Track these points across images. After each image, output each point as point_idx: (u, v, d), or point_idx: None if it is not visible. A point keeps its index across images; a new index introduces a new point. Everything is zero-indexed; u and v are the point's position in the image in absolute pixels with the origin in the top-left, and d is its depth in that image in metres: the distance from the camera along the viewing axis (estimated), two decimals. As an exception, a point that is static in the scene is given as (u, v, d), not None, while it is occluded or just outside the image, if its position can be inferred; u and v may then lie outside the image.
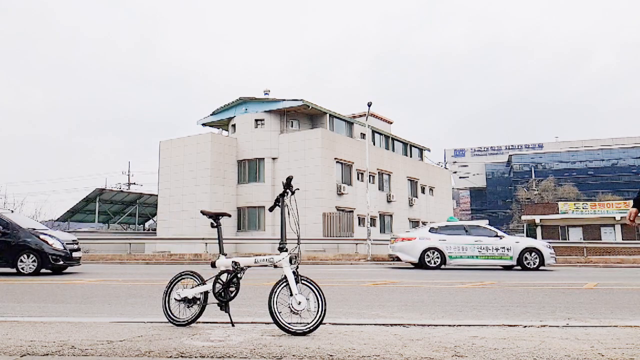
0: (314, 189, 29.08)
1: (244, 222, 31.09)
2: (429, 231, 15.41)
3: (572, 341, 3.44)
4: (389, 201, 34.97)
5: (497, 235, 15.02)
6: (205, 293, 4.04)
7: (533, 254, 14.71)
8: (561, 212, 37.94)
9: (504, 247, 14.76)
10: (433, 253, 14.81)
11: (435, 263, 14.69)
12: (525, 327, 4.11)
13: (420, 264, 14.83)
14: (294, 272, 3.71)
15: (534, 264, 14.62)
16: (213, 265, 4.12)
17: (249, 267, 4.06)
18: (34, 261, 11.33)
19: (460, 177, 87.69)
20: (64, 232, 14.81)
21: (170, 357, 2.99)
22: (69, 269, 12.90)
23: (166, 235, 30.21)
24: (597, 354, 3.04)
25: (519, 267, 14.81)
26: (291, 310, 3.60)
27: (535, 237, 38.69)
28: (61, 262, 11.63)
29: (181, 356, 3.00)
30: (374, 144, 35.93)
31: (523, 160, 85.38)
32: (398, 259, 15.51)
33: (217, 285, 3.99)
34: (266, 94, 33.69)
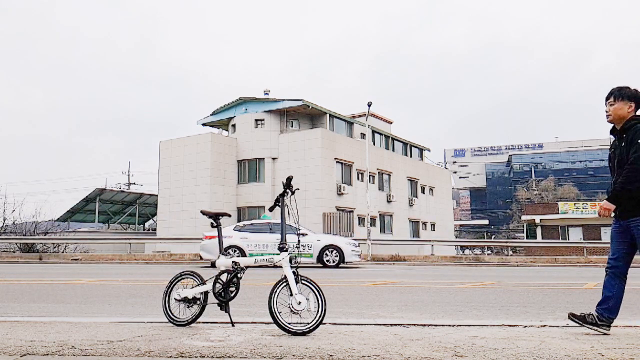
0: (314, 189, 29.07)
1: (244, 222, 31.05)
2: (233, 229, 15.40)
3: (572, 341, 3.44)
4: (389, 201, 34.96)
5: (300, 233, 14.90)
6: (205, 293, 4.04)
7: (333, 251, 14.75)
8: (561, 212, 37.93)
9: (306, 245, 14.79)
10: (233, 251, 14.75)
11: (334, 262, 14.68)
12: (525, 327, 4.11)
13: None
14: (294, 272, 3.71)
15: (334, 261, 14.69)
16: (213, 265, 4.12)
17: (249, 267, 4.06)
18: None
19: (460, 177, 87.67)
20: None
21: (170, 357, 2.99)
22: None
23: (166, 235, 30.21)
24: (597, 354, 3.04)
25: (320, 265, 14.82)
26: (291, 310, 3.60)
27: (535, 237, 38.73)
28: None
29: (181, 356, 3.00)
30: (374, 144, 35.92)
31: (523, 160, 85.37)
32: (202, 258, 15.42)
33: (217, 285, 3.99)
34: (266, 94, 33.69)
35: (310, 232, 15.49)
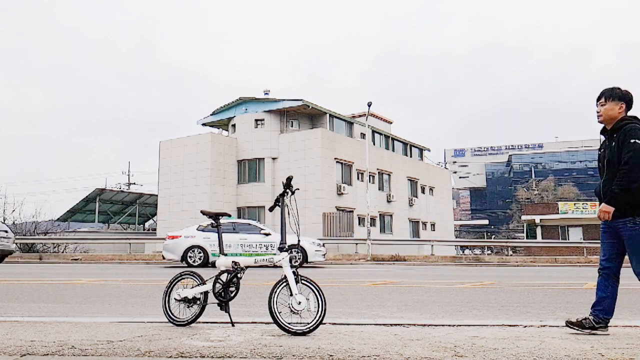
0: (314, 189, 29.07)
1: (244, 222, 31.06)
2: (197, 229, 15.38)
3: (572, 341, 3.44)
4: (389, 201, 34.97)
5: (264, 233, 15.00)
6: (205, 293, 4.04)
7: (297, 250, 14.60)
8: (561, 212, 37.92)
9: (269, 244, 14.77)
10: (196, 251, 14.73)
11: (198, 261, 14.63)
12: (525, 327, 4.11)
13: (185, 263, 14.74)
14: (294, 272, 3.71)
15: (298, 260, 14.65)
16: (213, 265, 4.12)
17: (249, 267, 4.06)
18: None
19: (460, 177, 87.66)
20: None
21: (170, 357, 2.99)
22: None
23: (166, 235, 30.17)
24: (597, 354, 3.04)
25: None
26: (291, 310, 3.60)
27: (535, 237, 38.72)
28: None
29: (181, 356, 3.00)
30: (374, 144, 35.92)
31: (523, 160, 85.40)
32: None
33: (217, 285, 3.99)
34: (266, 94, 33.69)
35: (274, 231, 15.51)
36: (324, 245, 16.01)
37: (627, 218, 3.63)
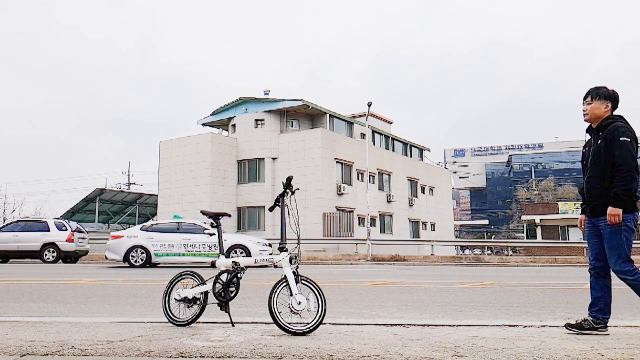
0: (314, 189, 29.07)
1: (244, 222, 31.09)
2: (140, 229, 15.39)
3: (572, 341, 3.44)
4: (389, 201, 34.97)
5: (207, 233, 14.97)
6: (205, 293, 4.04)
7: (240, 250, 14.73)
8: (561, 212, 37.92)
9: (212, 244, 14.78)
10: (138, 251, 14.67)
11: (140, 261, 14.60)
12: (525, 327, 4.11)
13: (127, 263, 14.73)
14: (294, 272, 3.71)
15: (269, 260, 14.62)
16: (213, 265, 4.12)
17: (249, 267, 4.06)
18: None
19: (460, 177, 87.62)
20: None
21: (170, 357, 3.00)
22: None
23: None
24: (597, 354, 3.04)
25: None
26: (291, 310, 3.60)
27: (535, 237, 38.73)
28: None
29: (181, 356, 3.00)
30: (374, 144, 35.93)
31: (523, 160, 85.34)
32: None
33: (217, 285, 3.99)
34: (266, 94, 33.69)
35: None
36: (270, 245, 15.91)
37: (607, 215, 3.66)
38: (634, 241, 3.79)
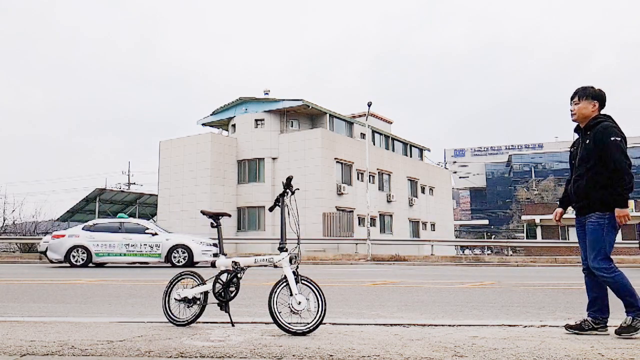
0: (314, 189, 29.07)
1: (244, 222, 31.10)
2: (82, 229, 15.37)
3: (572, 341, 3.44)
4: (389, 201, 34.97)
5: (149, 233, 14.98)
6: (205, 293, 4.04)
7: (182, 251, 14.71)
8: (561, 212, 37.84)
9: (154, 244, 14.77)
10: (79, 251, 14.66)
11: (81, 261, 14.61)
12: (525, 327, 4.11)
13: (68, 263, 14.71)
14: (294, 272, 3.71)
15: (183, 260, 14.63)
16: (213, 265, 4.12)
17: (249, 267, 4.06)
18: None
19: (460, 177, 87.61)
20: None
21: (170, 357, 3.00)
22: None
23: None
24: (597, 354, 3.04)
25: (169, 265, 14.78)
26: (291, 310, 3.60)
27: (535, 237, 38.71)
28: None
29: (181, 356, 3.00)
30: (374, 144, 35.93)
31: (523, 160, 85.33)
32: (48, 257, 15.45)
33: (217, 285, 3.99)
34: (266, 94, 33.69)
35: (162, 231, 15.44)
36: (215, 246, 15.79)
37: (594, 212, 3.69)
38: (634, 241, 3.81)
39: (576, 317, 4.75)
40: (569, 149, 4.11)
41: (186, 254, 14.70)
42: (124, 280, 9.61)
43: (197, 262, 14.87)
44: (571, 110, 3.87)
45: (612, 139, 3.60)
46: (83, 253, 14.67)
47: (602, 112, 3.84)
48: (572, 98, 3.88)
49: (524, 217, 40.61)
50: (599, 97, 3.80)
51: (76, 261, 14.57)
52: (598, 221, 3.66)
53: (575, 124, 3.93)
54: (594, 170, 3.68)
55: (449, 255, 26.86)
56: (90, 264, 14.79)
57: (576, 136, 3.98)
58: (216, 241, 15.76)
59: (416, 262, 20.71)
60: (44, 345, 3.24)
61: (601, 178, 3.65)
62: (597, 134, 3.67)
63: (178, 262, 14.62)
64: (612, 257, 3.72)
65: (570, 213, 4.15)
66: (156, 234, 15.03)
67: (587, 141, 3.74)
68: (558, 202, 4.18)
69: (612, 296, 3.75)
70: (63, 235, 15.26)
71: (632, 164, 3.78)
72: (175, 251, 14.71)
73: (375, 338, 3.52)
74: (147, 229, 15.11)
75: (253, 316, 4.63)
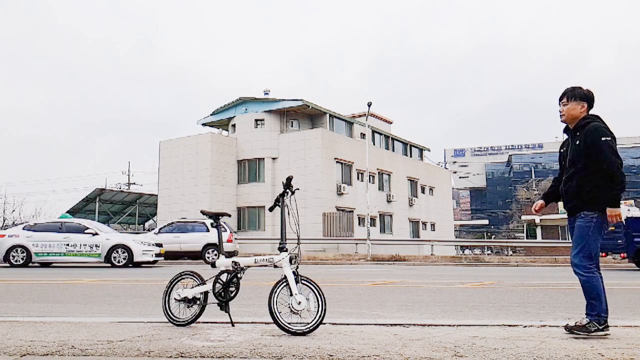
0: (314, 189, 29.07)
1: (244, 222, 31.10)
2: (22, 229, 15.43)
3: (572, 341, 3.44)
4: (389, 201, 34.97)
5: (90, 233, 14.98)
6: (205, 293, 4.04)
7: (123, 250, 14.71)
8: (561, 212, 37.81)
9: (93, 244, 14.78)
10: (19, 251, 14.72)
11: (21, 260, 14.66)
12: (525, 327, 4.11)
13: (8, 263, 14.75)
14: (294, 272, 3.71)
15: (123, 260, 14.65)
16: (213, 265, 4.12)
17: (249, 267, 4.06)
18: None
19: (460, 177, 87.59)
20: None
21: (170, 357, 3.00)
22: None
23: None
24: (597, 354, 3.04)
25: (108, 265, 14.84)
26: (291, 310, 3.60)
27: (535, 237, 38.72)
28: None
29: (181, 356, 3.00)
30: (374, 144, 35.93)
31: (523, 160, 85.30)
32: None
33: (217, 285, 3.99)
34: (266, 94, 33.69)
35: (101, 231, 15.45)
36: (161, 245, 15.90)
37: (583, 211, 3.70)
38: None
39: (576, 317, 4.75)
40: (558, 150, 4.11)
41: (126, 254, 14.71)
42: (124, 280, 9.61)
43: (137, 263, 14.92)
44: (560, 111, 3.88)
45: (603, 139, 3.60)
46: (22, 253, 14.74)
47: (591, 112, 3.84)
48: (560, 99, 3.88)
49: (524, 217, 40.64)
50: (588, 98, 3.80)
51: (16, 261, 14.66)
52: (586, 219, 3.67)
53: (565, 124, 3.93)
54: (584, 170, 3.68)
55: (449, 255, 26.87)
56: (32, 264, 14.84)
57: (566, 137, 3.98)
58: (155, 241, 15.99)
59: (416, 262, 20.72)
60: (44, 345, 3.24)
61: (592, 178, 3.65)
62: (587, 135, 3.67)
63: (118, 262, 14.66)
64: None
65: (560, 213, 4.17)
66: (96, 233, 15.07)
67: (577, 142, 3.74)
68: (541, 194, 4.20)
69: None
70: (3, 236, 15.33)
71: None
72: (115, 251, 14.74)
73: (375, 338, 3.52)
74: (87, 228, 15.13)
75: (253, 316, 4.63)
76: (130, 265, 14.81)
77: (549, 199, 4.14)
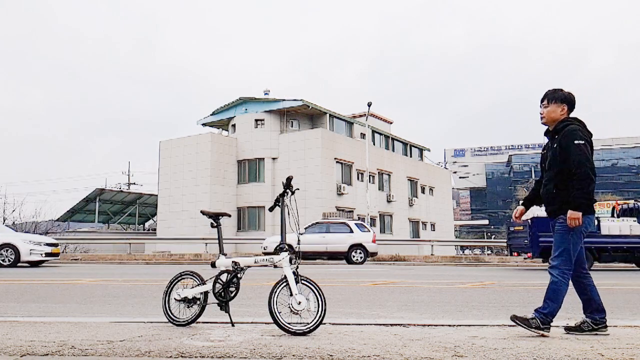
0: (314, 189, 29.07)
1: (244, 222, 31.10)
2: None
3: (572, 341, 3.44)
4: (388, 201, 34.97)
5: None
6: (205, 293, 4.04)
7: (9, 250, 14.56)
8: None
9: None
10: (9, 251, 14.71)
11: (9, 261, 14.61)
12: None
13: None
14: (294, 272, 3.71)
15: (9, 260, 14.49)
16: (213, 265, 4.12)
17: (249, 267, 4.06)
18: None
19: (460, 177, 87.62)
20: None
21: (170, 357, 2.99)
22: None
23: (166, 235, 30.22)
24: (597, 354, 3.04)
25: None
26: (291, 310, 3.60)
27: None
28: None
29: (181, 356, 3.00)
30: (374, 144, 35.93)
31: (523, 160, 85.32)
32: None
33: (217, 285, 3.99)
34: (266, 94, 33.70)
35: (13, 230, 15.47)
36: (55, 245, 15.73)
37: (561, 215, 3.68)
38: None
39: (576, 317, 4.75)
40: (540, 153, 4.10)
41: (13, 253, 14.58)
42: (124, 280, 9.61)
43: (25, 262, 14.81)
44: (540, 114, 3.86)
45: (576, 142, 3.58)
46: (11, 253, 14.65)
47: (572, 115, 3.82)
48: (541, 101, 3.86)
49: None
50: (568, 101, 3.78)
51: (2, 260, 14.60)
52: (565, 223, 3.64)
53: (546, 127, 3.91)
54: (562, 174, 3.67)
55: (449, 255, 26.86)
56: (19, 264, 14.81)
57: (547, 139, 3.97)
58: (49, 240, 16.01)
59: (416, 262, 20.71)
60: (44, 345, 3.23)
61: (567, 182, 3.64)
62: (562, 137, 3.66)
63: (3, 261, 14.51)
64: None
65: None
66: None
67: (555, 145, 3.73)
68: (522, 200, 4.20)
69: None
70: None
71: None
72: (1, 251, 14.63)
73: (375, 338, 3.52)
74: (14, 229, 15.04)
75: (253, 316, 4.63)
76: (19, 265, 14.60)
77: (530, 204, 4.12)
